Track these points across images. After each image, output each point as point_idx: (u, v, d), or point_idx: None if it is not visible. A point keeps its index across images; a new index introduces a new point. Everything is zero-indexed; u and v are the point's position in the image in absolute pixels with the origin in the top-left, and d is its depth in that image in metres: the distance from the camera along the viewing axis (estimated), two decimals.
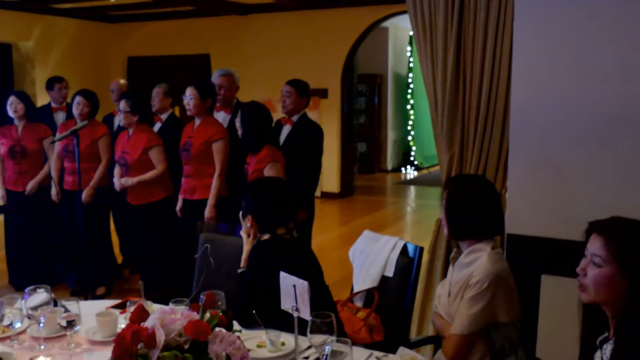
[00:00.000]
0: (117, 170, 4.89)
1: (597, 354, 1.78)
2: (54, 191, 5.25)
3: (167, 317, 1.88)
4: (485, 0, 3.25)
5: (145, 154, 4.72)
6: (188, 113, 4.51)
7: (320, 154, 4.66)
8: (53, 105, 6.09)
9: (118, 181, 4.80)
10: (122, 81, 6.23)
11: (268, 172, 4.01)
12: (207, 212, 4.40)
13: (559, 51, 2.96)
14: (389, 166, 13.06)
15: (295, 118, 4.63)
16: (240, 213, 2.75)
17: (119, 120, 5.80)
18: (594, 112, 2.90)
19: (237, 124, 4.17)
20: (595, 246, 1.74)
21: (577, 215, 2.98)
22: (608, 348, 1.73)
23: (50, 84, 6.07)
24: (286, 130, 4.60)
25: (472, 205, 2.40)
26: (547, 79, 3.00)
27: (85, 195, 4.98)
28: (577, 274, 1.80)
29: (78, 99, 5.10)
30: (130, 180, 4.73)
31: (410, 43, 13.13)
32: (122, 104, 4.77)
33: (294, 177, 4.17)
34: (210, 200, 4.41)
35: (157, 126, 5.29)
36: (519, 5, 3.04)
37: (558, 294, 2.93)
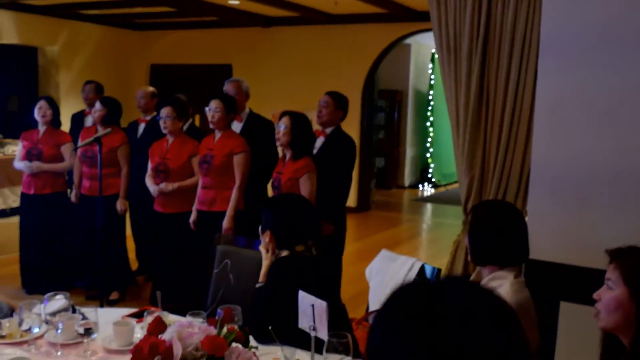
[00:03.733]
0: (151, 178, 4.82)
1: None
2: (74, 193, 5.31)
3: (185, 331, 1.90)
4: (511, 26, 3.26)
5: (189, 161, 4.70)
6: (211, 126, 4.50)
7: (351, 168, 4.64)
8: (86, 109, 6.20)
9: (153, 187, 4.73)
10: (150, 88, 6.25)
11: (304, 182, 4.02)
12: (226, 223, 4.39)
13: (584, 80, 2.96)
14: (407, 182, 13.03)
15: (329, 130, 4.62)
16: (260, 227, 2.76)
17: (142, 128, 5.87)
18: (619, 142, 2.88)
19: (282, 130, 4.08)
20: (609, 271, 1.80)
21: (597, 243, 2.95)
22: None
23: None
24: (319, 142, 4.58)
25: (495, 231, 2.36)
26: (572, 108, 2.99)
27: (119, 205, 5.14)
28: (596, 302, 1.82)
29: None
30: (170, 186, 4.66)
31: (432, 61, 13.14)
32: (167, 111, 4.68)
33: (324, 190, 4.16)
34: (229, 212, 4.41)
35: None
36: (545, 34, 3.04)
37: (576, 321, 2.90)
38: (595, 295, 1.82)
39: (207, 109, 4.48)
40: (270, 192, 4.58)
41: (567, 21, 2.95)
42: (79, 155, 5.19)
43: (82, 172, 5.26)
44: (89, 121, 6.05)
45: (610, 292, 1.75)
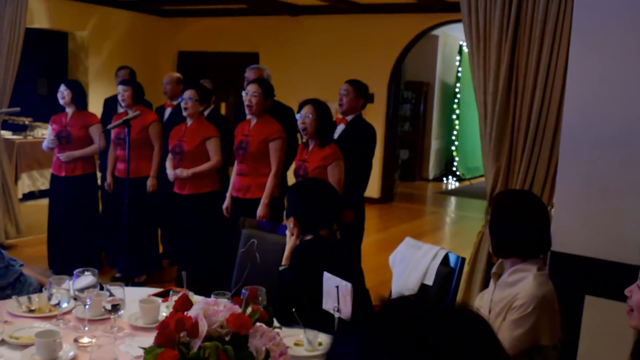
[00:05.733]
0: (169, 161, 4.87)
1: None
2: (108, 180, 5.38)
3: (210, 308, 1.91)
4: (542, 14, 3.22)
5: (203, 144, 4.73)
6: (247, 111, 4.47)
7: (371, 156, 4.61)
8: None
9: (171, 171, 4.79)
10: (176, 74, 6.30)
11: (332, 169, 4.03)
12: (260, 210, 4.38)
13: (616, 68, 2.92)
14: (431, 175, 12.96)
15: (349, 118, 4.62)
16: (284, 213, 2.78)
17: (169, 112, 5.92)
18: None
19: (307, 119, 4.07)
20: None
21: (625, 237, 2.92)
22: None
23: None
24: (339, 129, 4.58)
25: (517, 223, 2.31)
26: (602, 96, 2.95)
27: (149, 185, 5.18)
28: (623, 297, 1.76)
29: (118, 87, 5.26)
30: (185, 172, 4.70)
31: (460, 53, 13.02)
32: (190, 93, 4.72)
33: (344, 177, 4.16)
34: (264, 200, 4.40)
35: None
36: (577, 20, 3.00)
37: (601, 315, 2.88)
38: (626, 292, 1.73)
39: (243, 93, 4.48)
40: (290, 180, 4.58)
41: (599, 5, 2.91)
42: (112, 139, 5.24)
43: (117, 155, 5.32)
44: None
45: None
